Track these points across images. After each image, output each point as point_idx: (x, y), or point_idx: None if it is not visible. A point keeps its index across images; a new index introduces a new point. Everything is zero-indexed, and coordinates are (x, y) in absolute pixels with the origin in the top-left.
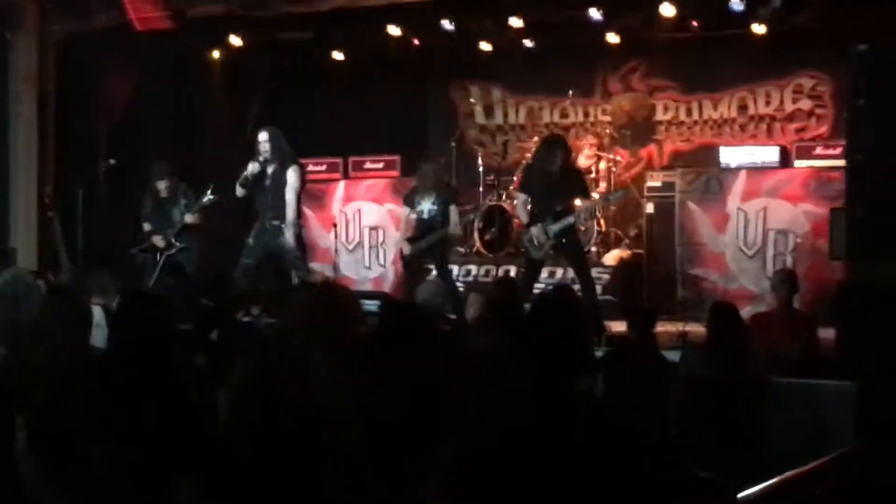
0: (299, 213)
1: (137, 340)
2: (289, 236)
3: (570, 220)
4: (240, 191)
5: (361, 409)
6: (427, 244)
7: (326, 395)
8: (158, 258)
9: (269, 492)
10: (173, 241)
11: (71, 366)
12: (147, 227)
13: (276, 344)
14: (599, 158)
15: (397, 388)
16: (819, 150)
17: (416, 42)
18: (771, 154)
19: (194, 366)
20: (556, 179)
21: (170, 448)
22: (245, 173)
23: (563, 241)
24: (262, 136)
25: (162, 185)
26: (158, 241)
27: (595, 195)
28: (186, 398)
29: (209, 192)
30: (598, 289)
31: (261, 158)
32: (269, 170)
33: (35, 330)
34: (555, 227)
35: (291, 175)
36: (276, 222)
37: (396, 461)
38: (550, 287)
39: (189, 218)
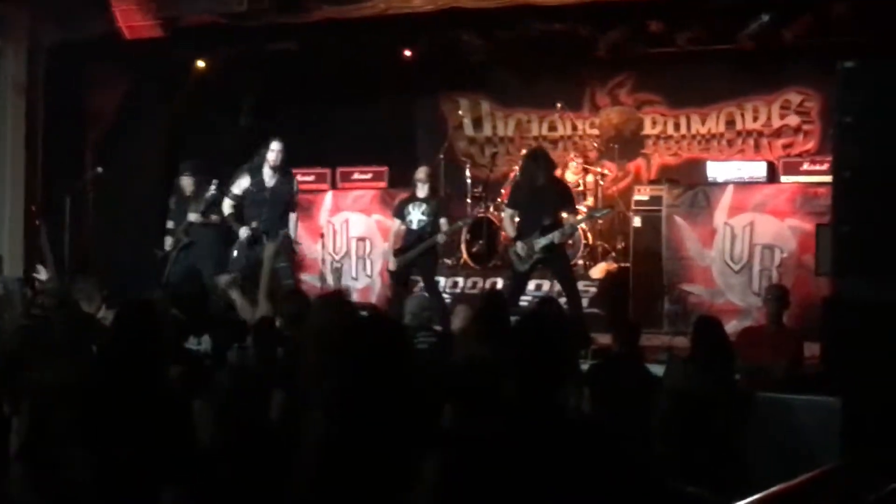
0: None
1: (129, 350)
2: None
3: (556, 234)
4: (228, 204)
5: (345, 420)
6: (415, 254)
7: (313, 408)
8: (171, 255)
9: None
10: (182, 237)
11: (79, 378)
12: (169, 224)
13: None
14: (586, 172)
15: (380, 400)
16: (806, 166)
17: (406, 54)
18: (758, 169)
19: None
20: (542, 193)
21: (155, 457)
22: (249, 184)
23: (550, 254)
24: (276, 146)
25: (185, 182)
26: (167, 240)
27: (583, 208)
28: (170, 408)
29: (212, 187)
30: (585, 302)
31: (271, 166)
32: (272, 182)
33: (53, 345)
34: (542, 241)
35: (294, 186)
36: (269, 233)
37: (381, 473)
38: (536, 300)
39: (192, 216)
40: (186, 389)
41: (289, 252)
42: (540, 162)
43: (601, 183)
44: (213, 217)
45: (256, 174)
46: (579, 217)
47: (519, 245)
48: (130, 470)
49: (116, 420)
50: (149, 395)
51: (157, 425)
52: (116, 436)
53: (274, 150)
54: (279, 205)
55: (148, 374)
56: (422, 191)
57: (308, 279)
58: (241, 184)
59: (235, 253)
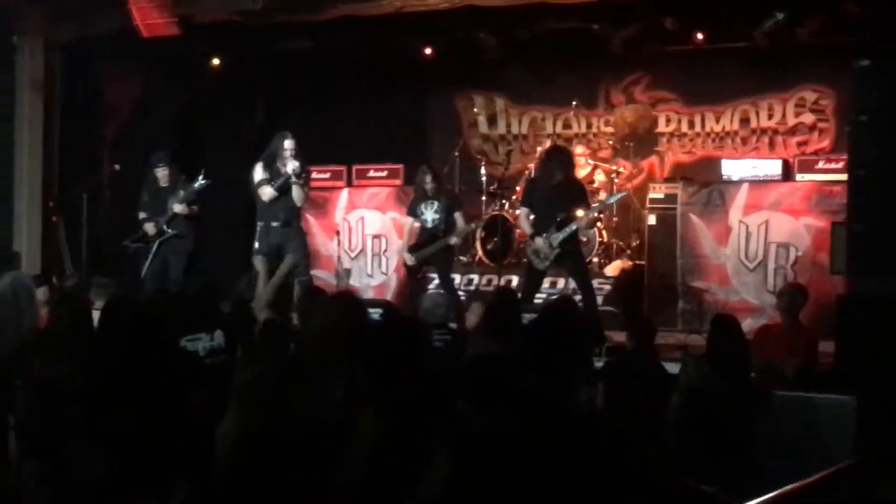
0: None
1: (131, 346)
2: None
3: (574, 227)
4: (270, 192)
5: (362, 417)
6: (430, 252)
7: (331, 406)
8: (151, 247)
9: (266, 498)
10: (165, 228)
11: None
12: (142, 215)
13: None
14: (595, 167)
15: (396, 397)
16: (821, 164)
17: (421, 51)
18: (773, 167)
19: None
20: (558, 191)
21: (164, 453)
22: (285, 173)
23: (567, 248)
24: (290, 144)
25: (161, 173)
26: (150, 228)
27: (595, 203)
28: (177, 404)
29: (200, 177)
30: (599, 299)
31: (290, 161)
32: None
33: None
34: (559, 236)
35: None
36: (285, 227)
37: (393, 468)
38: (553, 297)
39: (177, 207)
40: (190, 385)
41: (304, 248)
42: (560, 159)
43: (616, 180)
44: (195, 208)
45: (270, 165)
46: (595, 205)
47: (539, 241)
48: (142, 465)
49: (124, 415)
50: (153, 389)
51: (164, 420)
52: (125, 431)
53: (288, 149)
54: (290, 196)
55: (148, 368)
56: (431, 190)
57: (323, 276)
58: (258, 174)
59: (257, 245)
